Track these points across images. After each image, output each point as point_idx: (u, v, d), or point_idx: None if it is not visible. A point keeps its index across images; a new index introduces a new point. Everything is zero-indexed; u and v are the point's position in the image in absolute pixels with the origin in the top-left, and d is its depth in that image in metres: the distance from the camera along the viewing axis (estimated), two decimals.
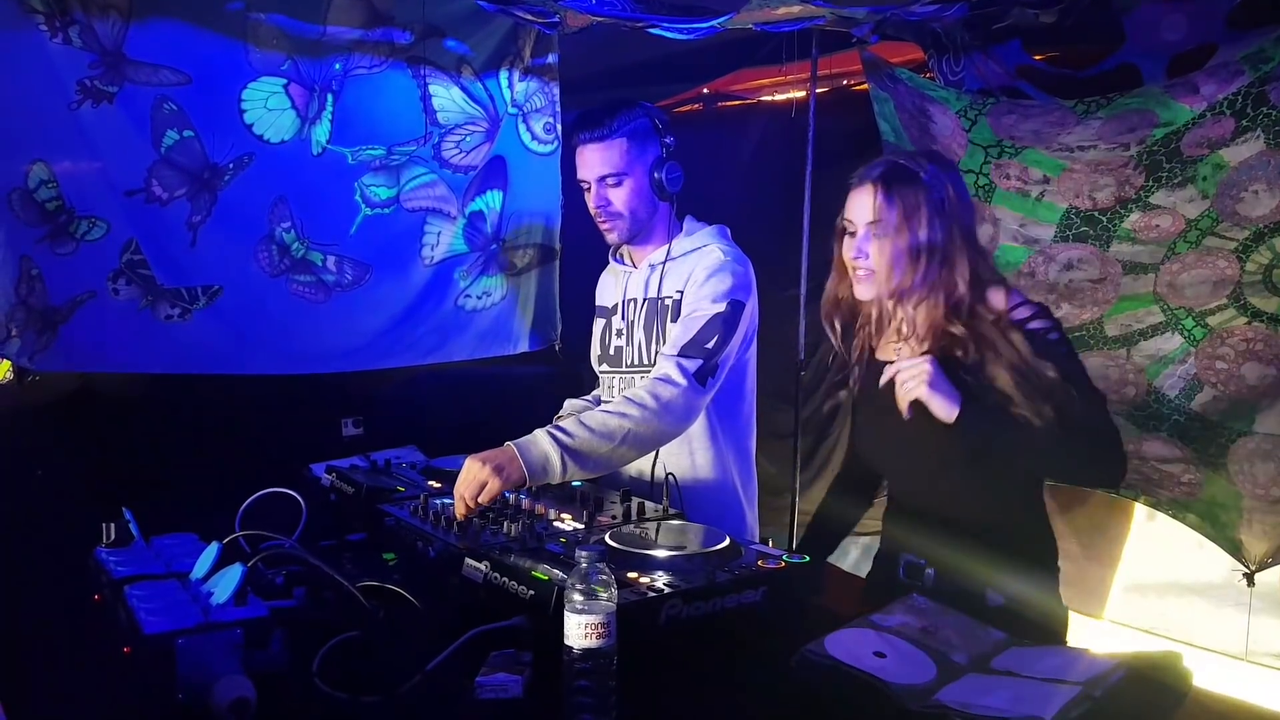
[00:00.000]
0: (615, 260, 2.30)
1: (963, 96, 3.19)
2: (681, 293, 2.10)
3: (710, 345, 1.97)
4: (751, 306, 2.10)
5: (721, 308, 2.01)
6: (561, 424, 1.86)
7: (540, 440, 1.82)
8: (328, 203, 3.01)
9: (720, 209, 3.70)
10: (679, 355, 1.96)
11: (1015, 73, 3.21)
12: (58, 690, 1.31)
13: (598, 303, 2.37)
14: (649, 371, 2.07)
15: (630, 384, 2.18)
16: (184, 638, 1.23)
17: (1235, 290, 2.92)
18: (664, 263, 2.13)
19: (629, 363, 2.22)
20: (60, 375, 2.64)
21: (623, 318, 2.24)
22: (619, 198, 2.09)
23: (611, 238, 2.16)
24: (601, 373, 2.31)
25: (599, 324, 2.34)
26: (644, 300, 2.18)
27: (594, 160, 2.08)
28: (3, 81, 2.43)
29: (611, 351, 2.26)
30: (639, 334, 2.18)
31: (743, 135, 4.04)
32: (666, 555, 1.50)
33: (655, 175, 2.09)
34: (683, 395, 1.92)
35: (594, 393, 2.42)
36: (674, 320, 2.09)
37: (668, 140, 2.11)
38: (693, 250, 2.14)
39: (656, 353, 2.11)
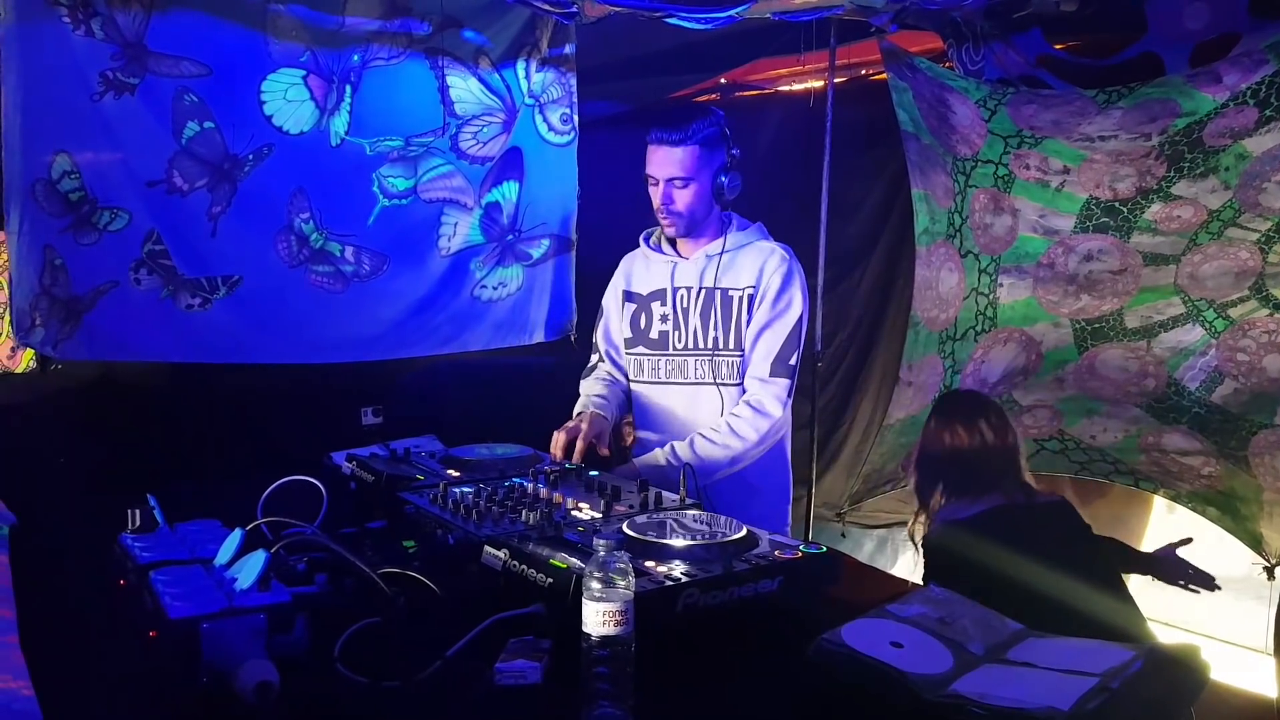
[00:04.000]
0: (654, 249, 2.47)
1: (982, 86, 3.17)
2: (755, 288, 2.31)
3: (792, 361, 2.31)
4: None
5: (798, 315, 2.31)
6: (676, 449, 2.23)
7: (657, 457, 2.24)
8: (346, 193, 3.02)
9: (737, 199, 3.69)
10: (771, 378, 2.28)
11: (1035, 62, 3.19)
12: (85, 673, 1.33)
13: (627, 288, 2.52)
14: (703, 354, 2.36)
15: (680, 367, 2.40)
16: (208, 622, 1.24)
17: (1257, 282, 2.90)
18: (721, 254, 2.35)
19: (679, 346, 2.40)
20: (83, 364, 2.66)
21: (668, 304, 2.40)
22: (682, 199, 2.30)
23: (670, 232, 2.38)
24: (631, 353, 2.49)
25: (627, 308, 2.50)
26: (700, 289, 2.36)
27: (666, 161, 2.28)
28: (27, 73, 2.44)
29: (654, 335, 2.44)
30: (694, 320, 2.37)
31: (760, 125, 4.03)
32: (684, 544, 1.51)
33: (718, 181, 2.30)
34: (777, 423, 2.30)
35: (601, 371, 2.57)
36: (748, 312, 2.30)
37: (734, 151, 2.31)
38: (747, 245, 2.36)
39: (715, 338, 2.35)
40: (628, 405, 2.56)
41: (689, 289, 2.38)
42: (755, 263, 2.33)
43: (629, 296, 2.51)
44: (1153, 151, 2.92)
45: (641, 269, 2.50)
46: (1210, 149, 2.82)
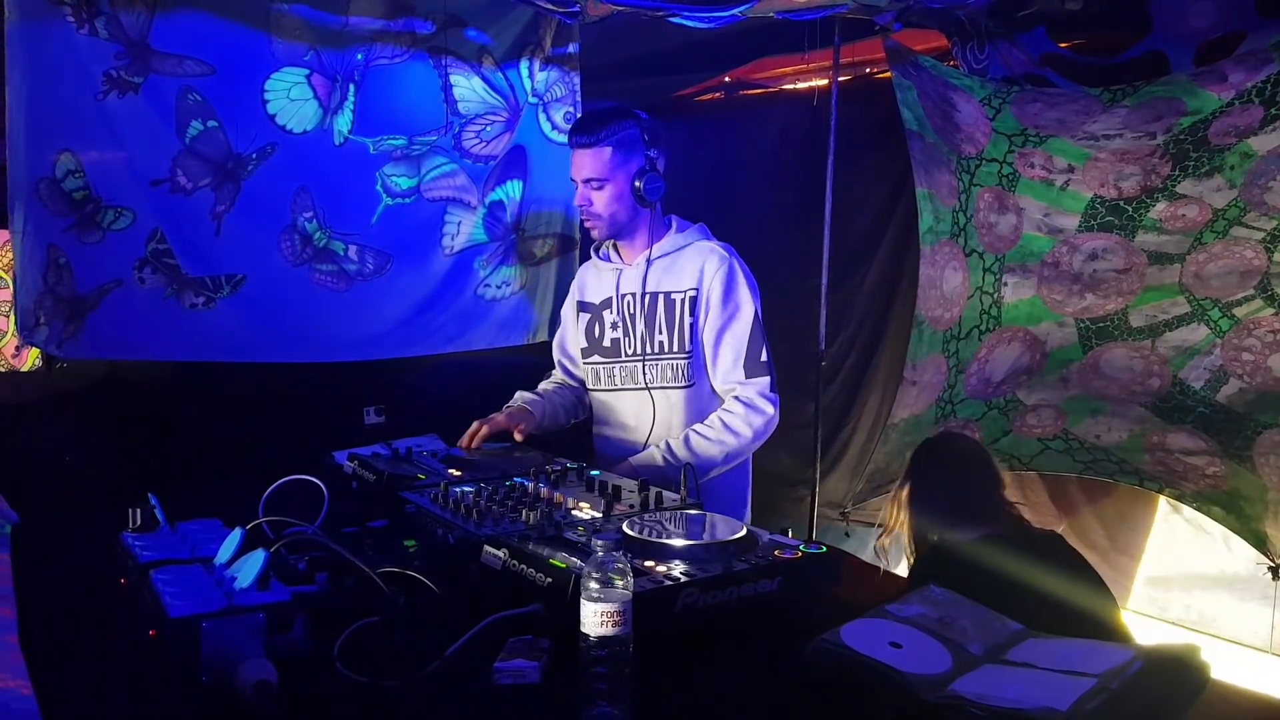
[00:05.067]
0: (600, 258, 2.48)
1: (987, 84, 3.17)
2: (697, 289, 2.29)
3: (763, 358, 2.28)
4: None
5: (750, 316, 2.28)
6: (670, 445, 2.24)
7: (653, 455, 2.24)
8: (349, 193, 3.03)
9: (741, 198, 3.69)
10: (750, 379, 2.27)
11: (1040, 60, 3.19)
12: (85, 671, 1.34)
13: (580, 298, 2.54)
14: (653, 359, 2.34)
15: (631, 373, 2.39)
16: (208, 621, 1.24)
17: (1263, 281, 2.89)
18: (655, 259, 2.34)
19: (629, 353, 2.39)
20: (88, 363, 2.68)
21: (617, 312, 2.40)
22: (599, 200, 2.29)
23: (594, 234, 2.38)
24: (588, 363, 2.50)
25: (583, 318, 2.51)
26: (643, 294, 2.35)
27: (581, 164, 2.29)
28: (31, 73, 2.46)
29: (607, 344, 2.44)
30: (639, 326, 2.36)
31: (764, 124, 4.02)
32: (683, 544, 1.51)
33: (636, 184, 2.28)
34: (771, 420, 2.28)
35: (550, 382, 2.62)
36: (691, 314, 2.28)
37: (652, 153, 2.29)
38: (685, 246, 2.35)
39: (660, 341, 2.33)
40: (576, 410, 2.56)
41: (633, 295, 2.38)
42: (695, 265, 2.32)
43: (583, 307, 2.51)
44: (1158, 150, 2.91)
45: (593, 279, 2.51)
46: (1215, 148, 2.81)
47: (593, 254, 2.52)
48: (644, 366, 2.36)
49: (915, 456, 2.57)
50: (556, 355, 2.63)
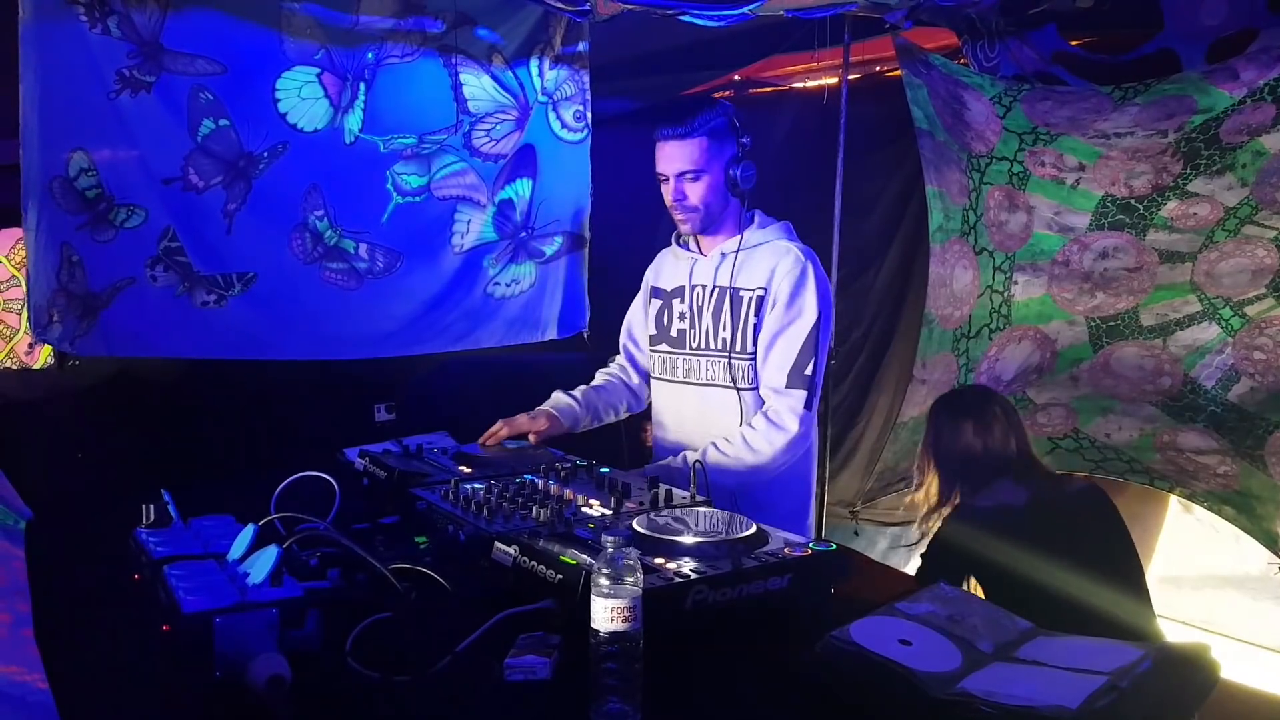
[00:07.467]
0: (680, 245, 2.42)
1: (997, 83, 3.16)
2: (765, 289, 2.22)
3: (808, 371, 2.18)
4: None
5: (812, 320, 2.19)
6: (688, 460, 2.14)
7: (671, 464, 2.19)
8: (360, 191, 3.04)
9: (750, 197, 3.69)
10: (788, 389, 2.17)
11: (1051, 58, 3.18)
12: (99, 667, 1.35)
13: (653, 284, 2.48)
14: (715, 355, 2.27)
15: (693, 366, 2.33)
16: (221, 617, 1.25)
17: (1274, 280, 2.88)
18: (736, 252, 2.26)
19: (693, 346, 2.34)
20: (100, 360, 2.69)
21: (686, 302, 2.34)
22: (695, 192, 2.22)
23: (685, 228, 2.30)
24: (654, 351, 2.44)
25: (654, 304, 2.45)
26: (714, 287, 2.29)
27: (674, 156, 2.20)
28: (44, 72, 2.47)
29: (674, 334, 2.38)
30: (706, 319, 2.30)
31: (774, 123, 4.02)
32: (693, 541, 1.51)
33: (730, 173, 2.22)
34: (795, 439, 2.17)
35: (604, 372, 2.58)
36: (756, 314, 2.21)
37: (744, 140, 2.23)
38: (764, 243, 2.27)
39: (723, 339, 2.26)
40: (625, 404, 2.53)
41: (704, 287, 2.31)
42: (768, 264, 2.23)
43: (655, 293, 2.45)
44: (1169, 148, 2.90)
45: (669, 265, 2.44)
46: (1227, 146, 2.80)
47: (673, 240, 2.45)
48: (707, 362, 2.29)
49: (934, 408, 2.57)
50: (623, 339, 2.57)
